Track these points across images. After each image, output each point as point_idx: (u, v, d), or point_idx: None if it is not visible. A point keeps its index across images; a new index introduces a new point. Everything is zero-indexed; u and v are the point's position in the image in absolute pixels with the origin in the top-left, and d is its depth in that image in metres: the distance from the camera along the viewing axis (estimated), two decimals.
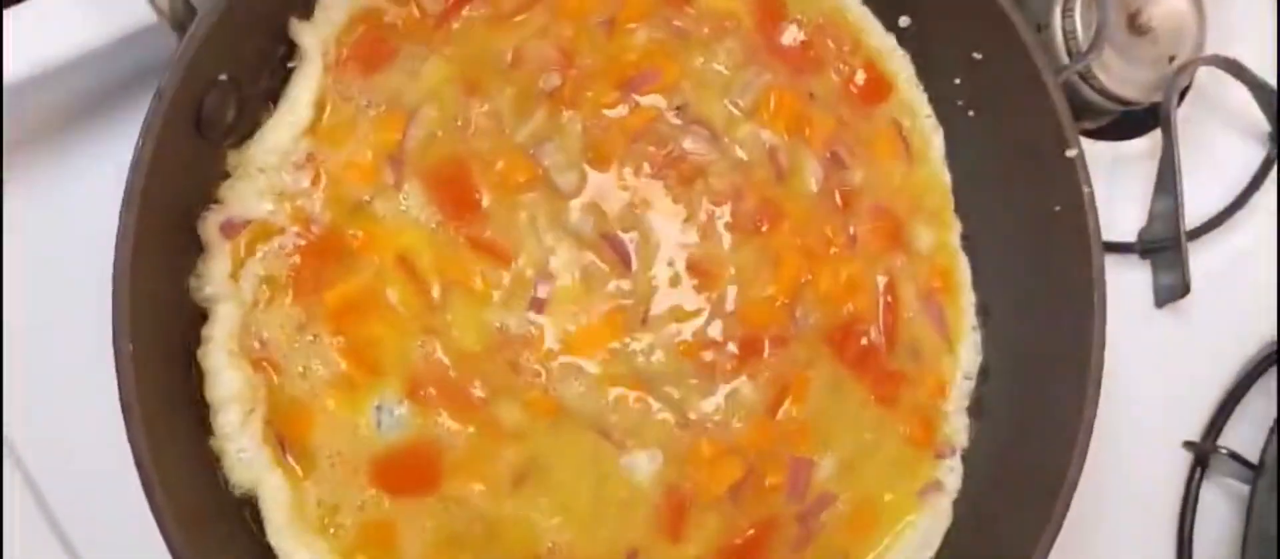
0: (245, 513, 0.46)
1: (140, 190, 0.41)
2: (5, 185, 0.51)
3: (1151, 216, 0.67)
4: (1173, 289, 0.67)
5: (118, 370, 0.40)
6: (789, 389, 0.52)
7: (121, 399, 0.40)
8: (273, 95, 0.48)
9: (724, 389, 0.52)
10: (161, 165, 0.42)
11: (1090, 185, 0.52)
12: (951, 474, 0.55)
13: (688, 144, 0.53)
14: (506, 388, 0.49)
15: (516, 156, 0.50)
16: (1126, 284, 0.67)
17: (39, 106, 0.49)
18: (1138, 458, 0.65)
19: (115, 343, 0.40)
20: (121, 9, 0.47)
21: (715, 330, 0.52)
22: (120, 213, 0.40)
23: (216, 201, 0.46)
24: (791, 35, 0.56)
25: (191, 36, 0.41)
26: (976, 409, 0.56)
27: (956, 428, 0.56)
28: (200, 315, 0.46)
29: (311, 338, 0.47)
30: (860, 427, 0.54)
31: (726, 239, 0.53)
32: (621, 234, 0.51)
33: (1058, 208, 0.54)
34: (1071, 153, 0.52)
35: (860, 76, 0.56)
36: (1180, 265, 0.66)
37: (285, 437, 0.46)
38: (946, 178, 0.58)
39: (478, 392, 0.48)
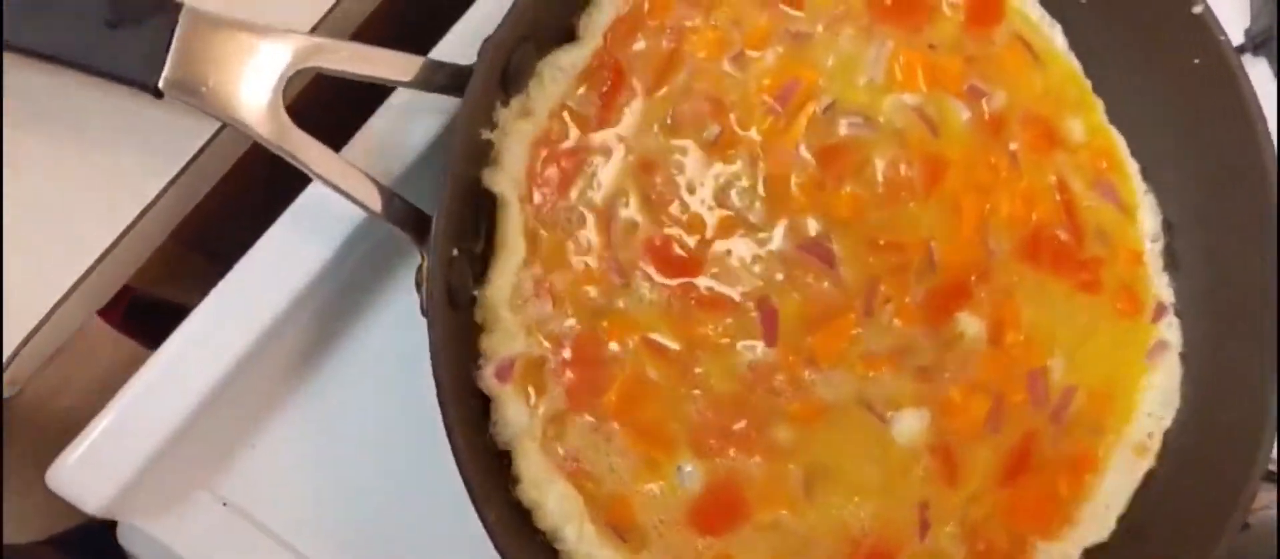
0: None
1: (446, 372, 0.46)
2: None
3: (1253, 15, 0.69)
4: None
5: (489, 533, 0.46)
6: (1005, 319, 0.57)
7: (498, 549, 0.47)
8: (489, 247, 0.52)
9: (950, 336, 0.57)
10: (447, 348, 0.47)
11: (1225, 34, 0.54)
12: (1171, 330, 0.59)
13: (845, 130, 0.56)
14: (772, 412, 0.54)
15: (708, 209, 0.54)
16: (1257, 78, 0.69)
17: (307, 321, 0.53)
18: None
19: (483, 517, 0.45)
20: (325, 232, 0.51)
21: (922, 291, 0.56)
22: (442, 407, 0.45)
23: (482, 356, 0.52)
24: None
25: (435, 240, 0.46)
26: (1172, 264, 0.60)
27: (1160, 287, 0.60)
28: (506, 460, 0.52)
29: (606, 439, 0.52)
30: (1075, 320, 0.59)
31: (909, 206, 0.57)
32: (818, 240, 0.55)
33: (1197, 60, 0.56)
34: (1197, 9, 0.55)
35: (969, 7, 0.59)
36: None
37: (614, 524, 0.52)
38: (1077, 65, 0.60)
39: (750, 425, 0.54)
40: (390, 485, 0.55)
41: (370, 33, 0.54)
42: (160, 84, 0.42)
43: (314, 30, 0.48)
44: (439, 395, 0.46)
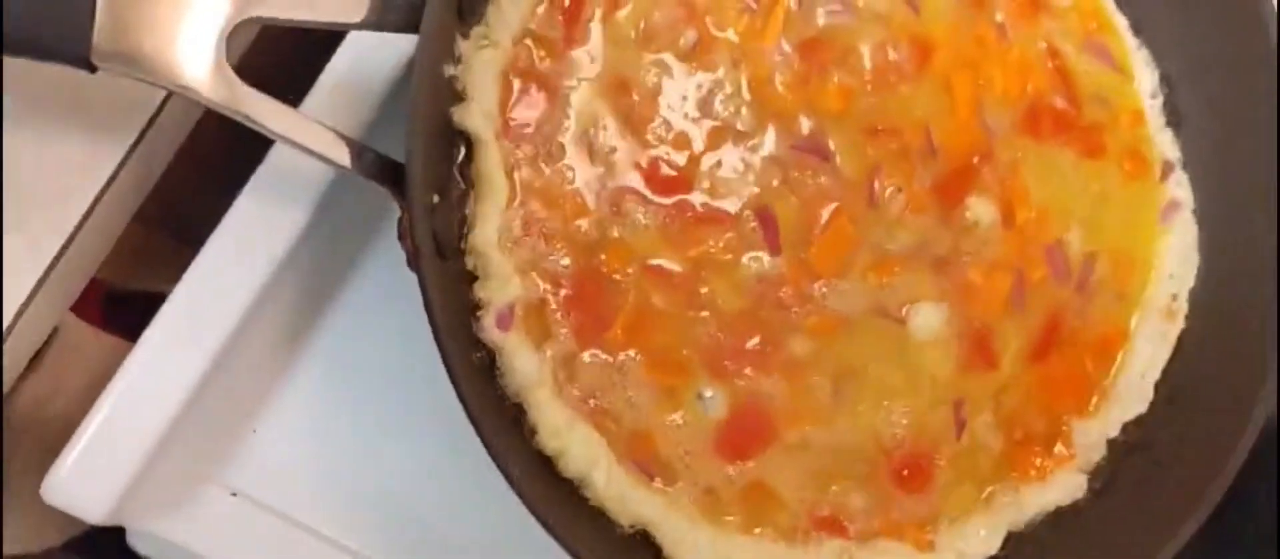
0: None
1: (445, 331, 0.44)
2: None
3: None
4: None
5: (516, 490, 0.44)
6: (1015, 197, 0.55)
7: (526, 504, 0.45)
8: (471, 189, 0.49)
9: (962, 222, 0.55)
10: (443, 303, 0.45)
11: None
12: (1180, 188, 0.57)
13: (824, 20, 0.54)
14: (786, 326, 0.52)
15: (693, 122, 0.51)
16: None
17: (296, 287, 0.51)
18: None
19: (506, 473, 0.43)
20: (296, 195, 0.49)
21: (929, 175, 0.54)
22: (446, 365, 0.43)
23: (480, 306, 0.49)
24: None
25: (412, 189, 0.43)
26: (1175, 119, 0.58)
27: (1165, 143, 0.58)
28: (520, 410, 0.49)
29: (620, 373, 0.50)
30: (1085, 187, 0.56)
31: (901, 90, 0.54)
32: (811, 137, 0.53)
33: None
34: None
35: None
36: None
37: (640, 462, 0.50)
38: None
39: (765, 341, 0.51)
40: (404, 451, 0.52)
41: None
42: (91, 57, 0.39)
43: None
44: (441, 351, 0.44)
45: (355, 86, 0.47)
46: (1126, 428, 0.56)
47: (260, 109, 0.41)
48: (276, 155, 0.46)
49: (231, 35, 0.41)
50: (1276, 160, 0.54)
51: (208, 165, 0.46)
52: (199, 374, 0.46)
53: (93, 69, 0.39)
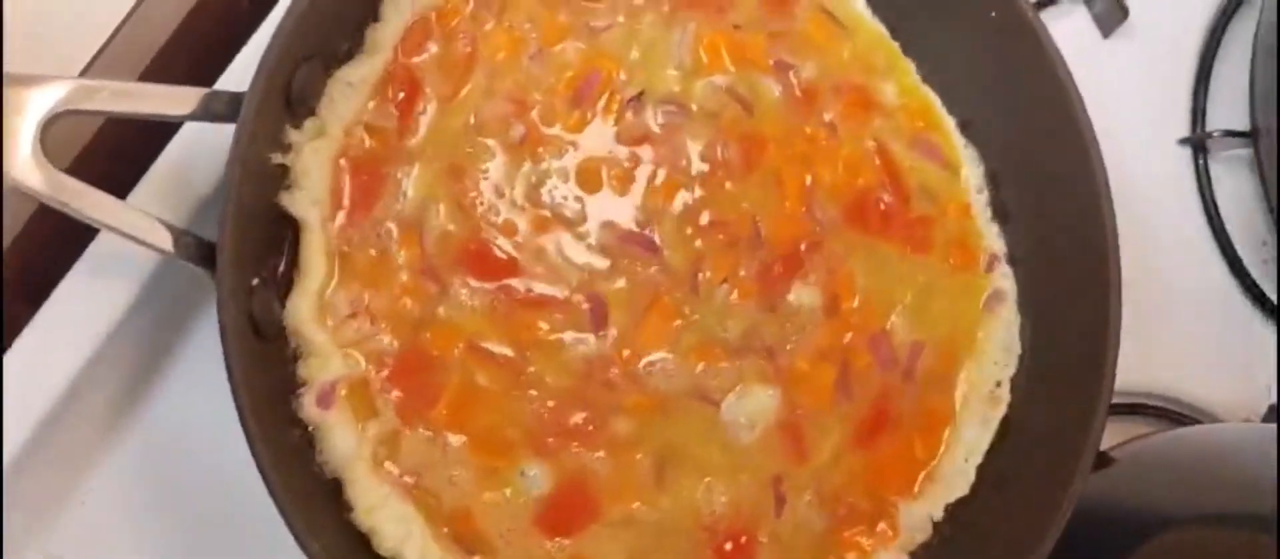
0: None
1: (249, 410, 0.45)
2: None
3: None
4: (1112, 16, 0.71)
5: None
6: (840, 288, 0.57)
7: None
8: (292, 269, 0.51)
9: (787, 309, 0.57)
10: (252, 385, 0.46)
11: None
12: (1006, 280, 0.60)
13: (660, 122, 0.56)
14: (610, 405, 0.53)
15: (522, 211, 0.54)
16: (1070, 31, 0.71)
17: (108, 383, 0.52)
18: (1147, 176, 0.71)
19: (306, 549, 0.44)
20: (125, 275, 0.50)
21: (756, 265, 0.57)
22: (249, 443, 0.44)
23: (301, 385, 0.51)
24: None
25: (221, 270, 0.45)
26: (1001, 214, 0.61)
27: (991, 236, 0.61)
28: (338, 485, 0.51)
29: (442, 451, 0.51)
30: (911, 279, 0.59)
31: (729, 185, 0.57)
32: (638, 229, 0.55)
33: (992, 14, 0.58)
34: None
35: None
36: None
37: (459, 538, 0.51)
38: (882, 30, 0.61)
39: (589, 420, 0.53)
40: (229, 522, 0.53)
41: (163, 70, 0.53)
42: None
43: (85, 72, 0.47)
44: (246, 432, 0.45)
45: (185, 176, 0.50)
46: (950, 509, 0.58)
47: (80, 198, 0.44)
48: (105, 236, 0.48)
49: (60, 126, 0.43)
50: (1095, 262, 0.57)
51: (63, 227, 0.48)
52: (19, 444, 0.48)
53: None
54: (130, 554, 0.52)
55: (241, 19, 0.53)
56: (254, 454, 0.45)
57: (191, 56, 0.54)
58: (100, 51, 0.47)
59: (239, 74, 0.51)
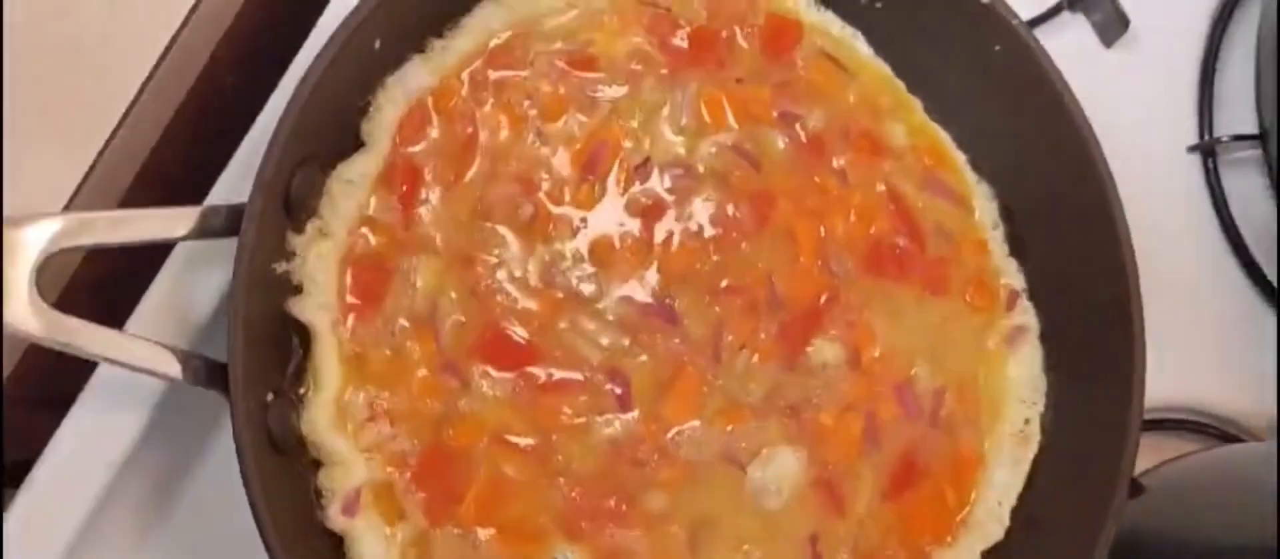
0: None
1: (271, 528, 0.44)
2: None
3: None
4: (1112, 26, 0.70)
5: None
6: (860, 341, 0.56)
7: None
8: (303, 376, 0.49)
9: (810, 364, 0.56)
10: (274, 502, 0.45)
11: (1018, 17, 0.55)
12: (1026, 314, 0.59)
13: (668, 187, 0.55)
14: (641, 482, 0.52)
15: (539, 294, 0.52)
16: (1072, 43, 0.70)
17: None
18: (1158, 186, 0.70)
19: None
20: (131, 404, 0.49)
21: (774, 326, 0.55)
22: (268, 548, 0.43)
23: (324, 495, 0.49)
24: (683, 35, 0.57)
25: (235, 394, 0.43)
26: (1019, 249, 0.60)
27: (1009, 272, 0.60)
28: None
29: (473, 548, 0.50)
30: (930, 323, 0.58)
31: (744, 246, 0.56)
32: (656, 301, 0.54)
33: (997, 48, 0.56)
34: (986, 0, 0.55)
35: (765, 32, 0.58)
36: (1110, 2, 0.69)
37: None
38: (886, 69, 0.60)
39: (621, 500, 0.52)
40: None
41: (144, 194, 0.51)
42: None
43: (68, 206, 0.45)
44: (266, 546, 0.44)
45: (184, 297, 0.48)
46: (985, 555, 0.58)
47: (80, 336, 0.42)
48: (106, 366, 0.47)
49: (46, 266, 0.42)
50: (1116, 289, 0.56)
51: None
52: None
53: None
54: None
55: (219, 131, 0.52)
56: None
57: (168, 174, 0.52)
58: (83, 182, 0.45)
59: (229, 185, 0.49)
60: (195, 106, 0.55)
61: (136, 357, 0.43)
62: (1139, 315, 0.55)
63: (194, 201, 0.47)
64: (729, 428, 0.54)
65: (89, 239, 0.42)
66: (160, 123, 0.52)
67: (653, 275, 0.54)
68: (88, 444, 0.46)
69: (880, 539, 0.56)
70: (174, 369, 0.44)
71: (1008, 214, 0.60)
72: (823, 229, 0.57)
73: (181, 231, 0.45)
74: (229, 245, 0.48)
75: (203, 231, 0.45)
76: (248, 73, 0.57)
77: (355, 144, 0.51)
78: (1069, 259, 0.59)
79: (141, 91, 0.46)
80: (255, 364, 0.46)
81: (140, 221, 0.43)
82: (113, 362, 0.43)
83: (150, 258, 0.48)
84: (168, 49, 0.47)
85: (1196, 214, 0.71)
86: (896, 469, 0.57)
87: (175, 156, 0.52)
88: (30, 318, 0.41)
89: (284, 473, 0.48)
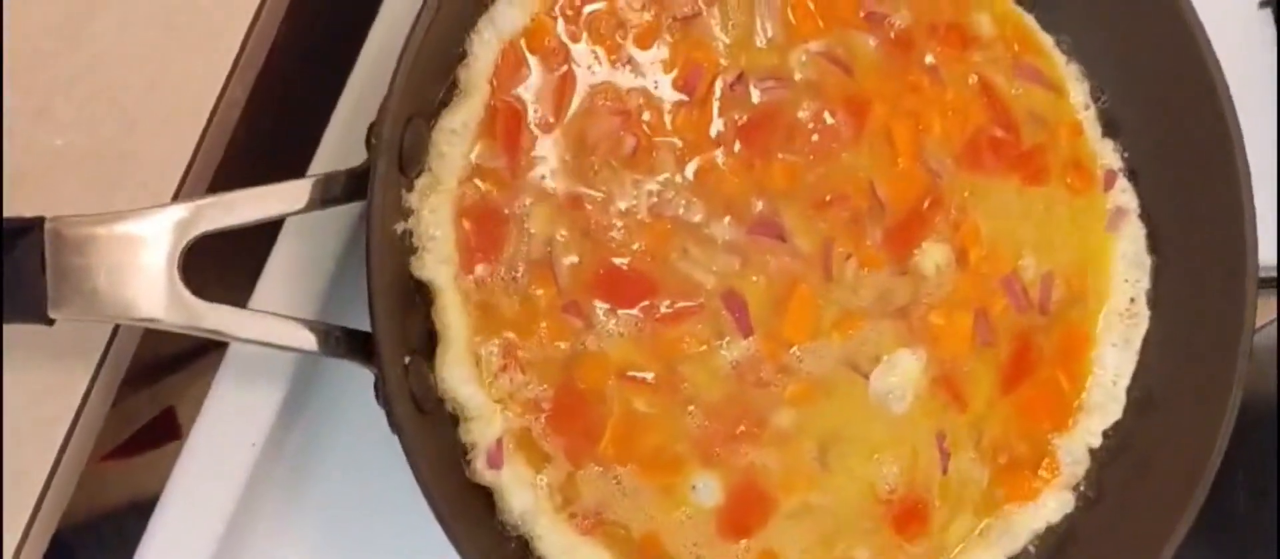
0: None
1: (438, 495, 0.44)
2: None
3: None
4: None
5: None
6: (966, 241, 0.56)
7: None
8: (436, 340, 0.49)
9: (920, 268, 0.55)
10: (430, 462, 0.45)
11: None
12: (1125, 194, 0.59)
13: (765, 101, 0.54)
14: (769, 402, 0.53)
15: (648, 226, 0.52)
16: None
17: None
18: (1227, 44, 0.67)
19: None
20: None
21: (879, 230, 0.55)
22: (442, 524, 0.43)
23: (467, 450, 0.50)
24: None
25: (382, 360, 0.43)
26: (1113, 128, 0.59)
27: (1105, 152, 0.59)
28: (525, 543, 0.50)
29: (617, 482, 0.51)
30: (1032, 212, 0.58)
31: (844, 154, 0.55)
32: (764, 220, 0.53)
33: None
34: None
35: None
36: None
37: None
38: None
39: (751, 422, 0.52)
40: None
41: (227, 180, 0.50)
42: (49, 312, 0.39)
43: (176, 196, 0.44)
44: (433, 511, 0.44)
45: (302, 268, 0.47)
46: (1105, 434, 0.58)
47: (221, 321, 0.41)
48: (235, 348, 0.46)
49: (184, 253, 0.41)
50: (1219, 152, 0.55)
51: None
52: None
53: (51, 322, 0.39)
54: None
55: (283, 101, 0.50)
56: (448, 533, 0.44)
57: (250, 151, 0.51)
58: (187, 170, 0.44)
59: (328, 155, 0.48)
60: (265, 80, 0.54)
61: (278, 334, 0.43)
62: (1244, 168, 0.55)
63: (275, 176, 0.47)
64: (846, 337, 0.54)
65: (219, 223, 0.41)
66: (237, 102, 0.51)
67: (757, 195, 0.54)
68: (230, 429, 0.46)
69: (1002, 433, 0.56)
70: (311, 343, 0.44)
71: (1100, 92, 0.59)
72: (919, 128, 0.56)
73: (300, 204, 0.44)
74: (335, 214, 0.47)
75: (323, 201, 0.44)
76: (310, 44, 0.56)
77: (451, 93, 0.50)
78: (1165, 135, 0.58)
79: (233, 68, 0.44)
80: (394, 329, 0.45)
81: (267, 197, 0.42)
82: (255, 343, 0.42)
83: (248, 239, 0.47)
84: (254, 21, 0.45)
85: (1266, 72, 0.70)
86: (1010, 361, 0.57)
87: (253, 133, 0.51)
88: (171, 308, 0.40)
89: (430, 435, 0.48)
